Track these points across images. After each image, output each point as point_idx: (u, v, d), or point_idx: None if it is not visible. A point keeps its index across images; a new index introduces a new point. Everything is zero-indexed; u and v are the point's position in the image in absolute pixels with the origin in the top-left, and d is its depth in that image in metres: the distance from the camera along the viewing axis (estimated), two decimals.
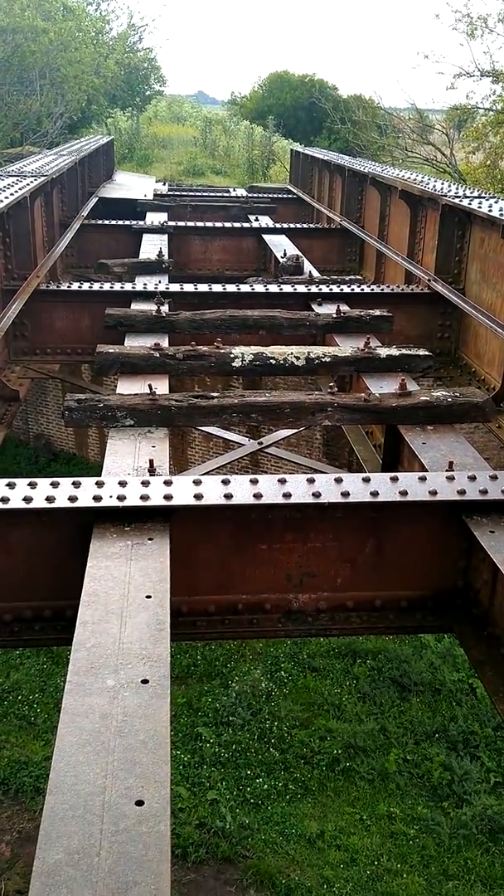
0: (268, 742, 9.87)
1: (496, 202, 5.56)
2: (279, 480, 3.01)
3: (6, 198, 5.44)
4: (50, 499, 2.72)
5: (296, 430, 5.09)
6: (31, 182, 6.20)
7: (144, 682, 2.05)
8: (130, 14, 51.22)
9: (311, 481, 3.01)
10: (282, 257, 7.13)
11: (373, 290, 6.08)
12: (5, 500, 2.73)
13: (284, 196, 12.04)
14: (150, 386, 3.87)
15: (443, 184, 6.79)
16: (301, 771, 9.48)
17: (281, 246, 7.86)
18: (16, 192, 5.67)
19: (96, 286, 5.88)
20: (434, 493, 2.97)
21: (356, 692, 10.71)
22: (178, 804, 8.89)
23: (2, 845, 7.72)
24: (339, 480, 3.03)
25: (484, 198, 5.91)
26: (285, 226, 9.07)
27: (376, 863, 8.31)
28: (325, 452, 14.10)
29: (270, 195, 11.90)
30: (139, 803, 1.70)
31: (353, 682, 10.90)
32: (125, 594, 2.39)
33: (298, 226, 9.58)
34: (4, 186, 5.83)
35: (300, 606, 3.15)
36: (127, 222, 8.65)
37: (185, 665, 11.18)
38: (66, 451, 16.87)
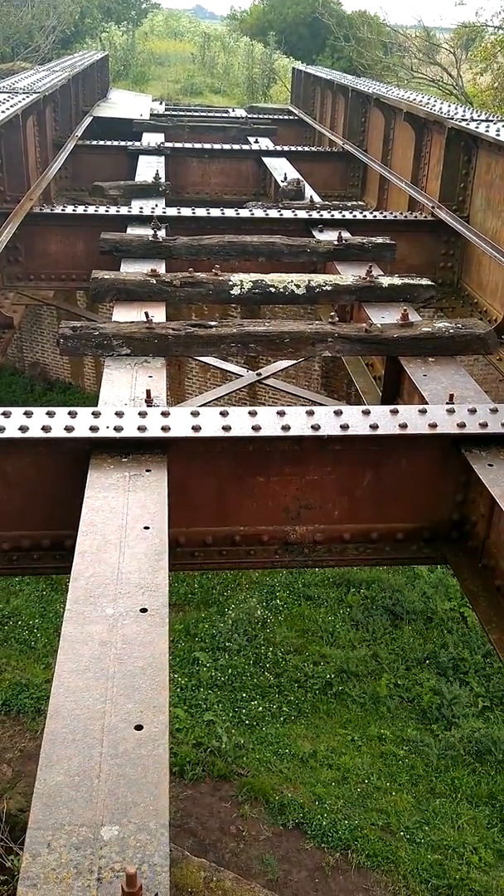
0: (263, 667, 10.12)
1: None
2: (278, 413, 2.98)
3: None
4: (46, 428, 2.69)
5: (295, 361, 5.03)
6: (23, 99, 5.96)
7: (143, 610, 2.07)
8: None
9: (310, 413, 2.98)
10: (282, 181, 6.93)
11: (375, 216, 5.92)
12: (1, 429, 2.71)
13: (285, 117, 11.62)
14: (146, 314, 3.79)
15: (450, 106, 6.55)
16: (295, 694, 9.76)
17: (281, 169, 7.63)
18: (7, 109, 5.45)
19: (91, 209, 5.72)
20: (434, 425, 2.94)
21: (349, 620, 10.93)
22: (176, 725, 9.17)
23: (3, 765, 7.98)
24: (338, 413, 3.00)
25: (492, 121, 5.71)
26: (286, 148, 8.80)
27: (366, 781, 8.63)
28: (323, 384, 14.02)
29: (271, 116, 11.50)
30: (138, 728, 1.72)
31: (346, 610, 11.12)
32: (123, 525, 2.39)
33: (299, 148, 9.30)
34: None
35: (297, 538, 3.17)
36: (122, 143, 8.38)
37: (183, 593, 11.37)
38: (62, 380, 16.75)
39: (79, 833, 1.51)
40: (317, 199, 6.46)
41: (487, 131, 5.26)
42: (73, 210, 5.66)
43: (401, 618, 10.97)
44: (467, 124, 5.54)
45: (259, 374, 4.97)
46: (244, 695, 9.69)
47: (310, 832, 8.09)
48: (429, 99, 7.21)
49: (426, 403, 3.34)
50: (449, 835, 7.97)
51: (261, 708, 9.54)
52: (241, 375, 5.09)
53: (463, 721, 9.24)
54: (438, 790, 8.57)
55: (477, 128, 5.41)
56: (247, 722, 9.36)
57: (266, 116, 11.32)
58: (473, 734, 9.01)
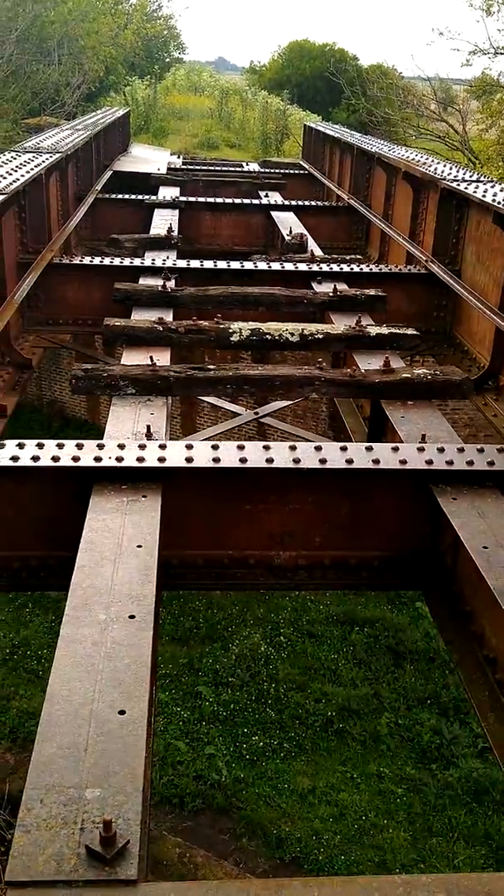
0: (265, 702, 10.28)
1: (492, 187, 5.76)
2: (264, 447, 3.30)
3: (22, 176, 5.69)
4: (55, 458, 3.03)
5: (292, 402, 5.37)
6: (47, 159, 6.44)
7: (132, 616, 2.37)
8: None
9: (293, 448, 3.30)
10: (287, 235, 7.35)
11: (371, 269, 6.30)
12: (15, 458, 3.05)
13: (296, 172, 12.18)
14: (151, 357, 4.15)
15: (444, 166, 6.98)
16: (295, 730, 9.89)
17: (288, 223, 8.06)
18: (31, 169, 5.92)
19: (107, 261, 6.13)
20: (404, 462, 3.25)
21: (352, 658, 11.09)
22: (177, 757, 9.33)
23: (6, 784, 8.18)
24: (318, 448, 3.32)
25: (482, 182, 6.11)
26: (294, 203, 9.25)
27: (364, 818, 8.73)
28: (329, 424, 14.41)
29: (282, 170, 12.04)
30: (121, 713, 2.02)
31: (349, 648, 11.27)
32: (119, 543, 2.71)
33: (307, 203, 9.76)
34: (21, 164, 6.08)
35: (281, 563, 3.45)
36: (139, 197, 8.86)
37: (188, 627, 11.59)
38: (79, 417, 17.22)
39: (67, 793, 1.81)
40: (318, 252, 6.86)
41: (476, 192, 5.66)
42: (90, 261, 6.09)
43: (403, 657, 11.12)
44: (458, 185, 5.94)
45: (257, 413, 5.32)
46: (245, 730, 9.84)
47: (306, 866, 8.19)
48: (426, 159, 7.66)
49: (402, 442, 3.65)
50: (444, 874, 8.03)
51: (262, 743, 9.68)
52: (240, 414, 5.45)
53: (461, 761, 9.33)
54: (435, 829, 8.65)
55: (467, 188, 5.81)
56: (247, 756, 9.50)
57: (278, 171, 11.86)
58: (471, 774, 9.10)
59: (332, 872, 8.11)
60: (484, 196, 5.42)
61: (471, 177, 6.42)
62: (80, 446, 3.13)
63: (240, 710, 10.12)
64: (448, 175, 6.37)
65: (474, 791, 9.07)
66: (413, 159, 7.43)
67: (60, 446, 3.11)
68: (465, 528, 2.96)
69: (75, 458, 3.05)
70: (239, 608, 11.92)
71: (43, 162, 6.24)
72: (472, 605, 3.05)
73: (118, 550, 2.66)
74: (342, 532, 3.40)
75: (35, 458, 3.03)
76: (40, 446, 3.10)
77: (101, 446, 3.15)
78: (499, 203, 5.07)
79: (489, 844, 8.51)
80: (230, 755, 9.48)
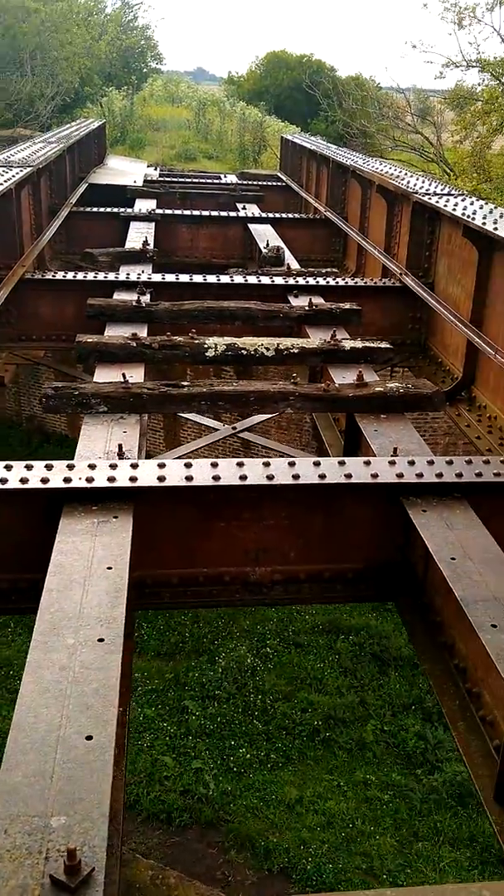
0: (251, 714, 10.26)
1: (462, 200, 5.82)
2: (237, 463, 3.31)
3: None
4: (24, 480, 3.02)
5: (270, 416, 5.39)
6: (18, 173, 6.43)
7: (100, 640, 2.36)
8: None
9: (266, 465, 3.31)
10: (264, 248, 7.37)
11: (346, 283, 6.34)
12: None
13: (274, 184, 12.22)
14: (123, 375, 4.15)
15: (417, 180, 7.04)
16: (282, 741, 9.88)
17: (265, 236, 8.08)
18: (1, 183, 5.91)
19: (80, 275, 6.13)
20: (376, 475, 3.27)
21: (338, 667, 11.09)
22: (164, 773, 9.29)
23: None
24: (292, 464, 3.33)
25: (453, 195, 6.17)
26: (271, 215, 9.28)
27: (351, 826, 8.72)
28: (313, 435, 14.46)
29: (260, 182, 12.09)
30: (89, 738, 2.02)
31: (335, 657, 11.28)
32: (88, 566, 2.70)
33: (284, 215, 9.79)
34: None
35: (257, 578, 3.46)
36: (115, 210, 8.86)
37: (174, 642, 11.55)
38: (59, 432, 17.16)
39: (32, 822, 1.80)
40: (295, 265, 6.89)
41: (446, 205, 5.70)
42: (64, 276, 6.08)
43: (388, 664, 11.14)
44: (429, 198, 5.99)
45: (234, 428, 5.33)
46: (232, 742, 9.81)
47: (295, 876, 8.17)
48: (400, 172, 7.72)
49: (374, 456, 3.67)
50: (431, 877, 8.04)
51: (248, 755, 9.66)
52: (218, 429, 5.46)
53: (446, 765, 9.36)
54: (421, 833, 8.66)
55: (438, 202, 5.86)
56: (234, 769, 9.47)
57: (255, 183, 11.90)
58: (455, 778, 9.12)
59: (319, 881, 8.09)
60: (454, 210, 5.46)
61: (442, 190, 6.48)
62: (49, 467, 3.13)
63: (226, 722, 10.09)
64: (420, 188, 6.42)
65: (459, 794, 9.09)
66: (387, 172, 7.49)
67: (29, 467, 3.11)
68: (434, 540, 2.99)
69: (44, 480, 3.04)
70: (225, 621, 11.91)
71: (13, 176, 6.23)
72: (441, 615, 3.07)
73: (87, 573, 2.66)
74: (316, 546, 3.42)
75: (3, 481, 3.02)
76: (8, 468, 3.09)
77: (70, 466, 3.15)
78: (468, 216, 5.12)
79: (474, 847, 8.53)
80: (217, 768, 9.45)
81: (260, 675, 10.93)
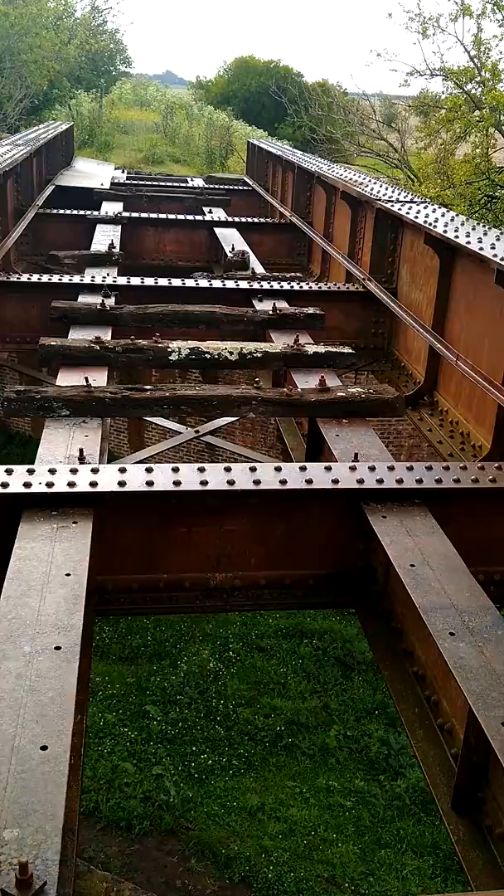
0: (214, 720, 10.22)
1: (424, 208, 5.88)
2: (199, 469, 3.29)
3: None
4: None
5: (233, 419, 5.39)
6: None
7: (57, 648, 2.33)
8: None
9: (227, 470, 3.29)
10: (230, 252, 7.38)
11: (311, 287, 6.36)
12: None
13: (240, 188, 12.24)
14: (86, 378, 4.12)
15: (380, 187, 7.09)
16: (245, 747, 9.85)
17: (231, 240, 8.08)
18: None
19: (45, 278, 6.07)
20: (336, 481, 3.28)
21: (301, 671, 11.10)
22: (124, 779, 9.20)
23: None
24: (253, 469, 3.32)
25: (415, 202, 6.23)
26: (237, 219, 9.29)
27: (313, 833, 8.72)
28: (278, 436, 14.47)
29: (227, 186, 12.10)
30: (43, 748, 1.98)
31: (298, 661, 11.29)
32: (47, 572, 2.66)
33: (250, 220, 9.81)
34: None
35: (217, 584, 3.44)
36: (81, 212, 8.81)
37: (135, 646, 11.47)
38: (23, 433, 16.94)
39: None
40: (259, 269, 6.91)
41: (408, 213, 5.76)
42: (28, 278, 6.01)
43: (352, 668, 11.18)
44: (392, 206, 6.04)
45: (197, 431, 5.32)
46: (194, 748, 9.76)
47: (256, 885, 8.14)
48: (364, 178, 7.78)
49: (336, 461, 3.68)
50: (393, 885, 8.07)
51: (210, 761, 9.61)
52: (181, 433, 5.44)
53: (409, 771, 9.41)
54: (384, 840, 8.69)
55: (400, 209, 5.91)
56: (196, 775, 9.42)
57: (222, 187, 11.91)
58: (419, 784, 9.17)
59: (280, 890, 8.08)
60: (416, 217, 5.52)
61: (405, 197, 6.55)
62: (9, 472, 3.08)
63: (188, 728, 10.04)
64: (383, 196, 6.48)
65: (422, 801, 9.14)
66: (351, 179, 7.54)
67: None
68: (394, 546, 3.00)
69: (4, 485, 2.99)
70: (188, 625, 11.86)
71: None
72: (401, 622, 3.09)
73: (45, 579, 2.62)
74: (277, 552, 3.41)
75: None
76: None
77: (31, 471, 3.10)
78: (430, 224, 5.18)
79: (437, 854, 8.58)
80: (178, 775, 9.39)
81: (222, 680, 10.90)
